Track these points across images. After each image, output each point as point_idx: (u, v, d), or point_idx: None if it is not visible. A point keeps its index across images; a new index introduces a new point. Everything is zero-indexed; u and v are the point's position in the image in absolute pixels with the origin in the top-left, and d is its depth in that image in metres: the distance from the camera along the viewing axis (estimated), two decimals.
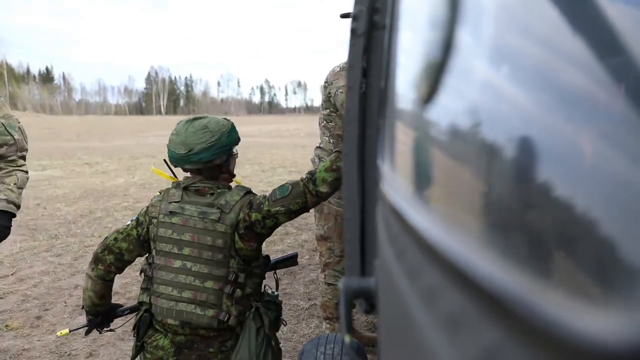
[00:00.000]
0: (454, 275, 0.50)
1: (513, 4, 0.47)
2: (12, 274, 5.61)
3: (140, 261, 2.40)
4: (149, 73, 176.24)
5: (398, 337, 0.72)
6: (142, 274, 2.30)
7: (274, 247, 6.47)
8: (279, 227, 7.40)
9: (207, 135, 2.17)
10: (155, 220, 2.21)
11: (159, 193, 2.31)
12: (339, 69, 3.51)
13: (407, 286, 0.66)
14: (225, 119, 2.31)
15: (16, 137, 3.24)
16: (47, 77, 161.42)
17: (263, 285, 2.40)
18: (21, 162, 3.31)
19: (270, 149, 21.01)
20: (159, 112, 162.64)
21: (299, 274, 5.50)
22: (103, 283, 2.30)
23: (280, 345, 3.94)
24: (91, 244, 6.64)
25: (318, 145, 3.71)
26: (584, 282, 0.33)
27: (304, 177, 2.23)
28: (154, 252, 2.22)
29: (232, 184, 2.37)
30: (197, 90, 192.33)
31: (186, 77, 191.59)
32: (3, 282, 5.37)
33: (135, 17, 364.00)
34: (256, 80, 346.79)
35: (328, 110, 3.55)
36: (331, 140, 3.56)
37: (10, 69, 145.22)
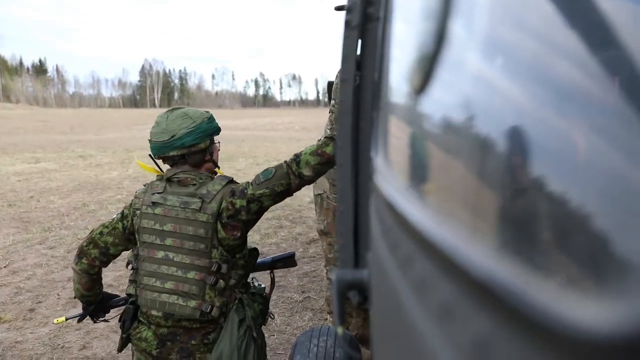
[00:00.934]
0: (446, 267, 0.50)
1: None
2: (5, 267, 5.60)
3: (126, 254, 2.40)
4: (143, 66, 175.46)
5: (390, 328, 0.73)
6: (129, 266, 2.30)
7: (268, 240, 6.48)
8: (273, 220, 7.39)
9: (188, 121, 2.19)
10: (139, 211, 2.21)
11: (144, 186, 2.31)
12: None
13: (400, 278, 0.66)
14: (206, 111, 2.33)
15: None
16: (40, 69, 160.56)
17: (250, 278, 2.40)
18: None
19: (265, 142, 20.99)
20: (153, 105, 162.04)
21: None
22: (88, 276, 2.29)
23: (274, 337, 3.96)
24: (84, 237, 6.62)
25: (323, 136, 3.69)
26: (576, 273, 0.33)
27: (289, 159, 2.24)
28: (138, 244, 2.23)
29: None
30: (192, 83, 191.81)
31: (180, 70, 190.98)
32: None
33: (130, 10, 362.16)
34: (251, 74, 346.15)
35: (334, 101, 3.55)
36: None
37: (3, 61, 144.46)
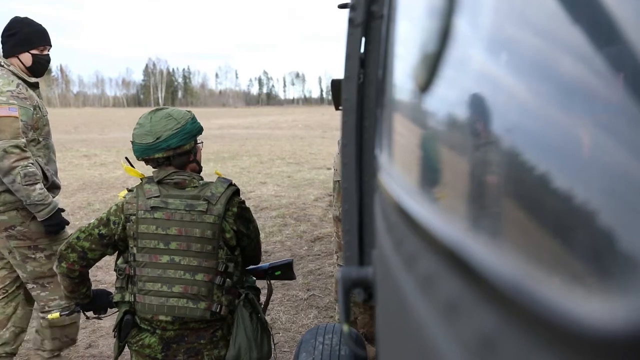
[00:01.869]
0: (452, 263, 0.50)
1: None
2: None
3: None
4: (146, 65, 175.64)
5: (396, 325, 0.73)
6: (118, 273, 2.25)
7: (273, 237, 6.48)
8: (278, 219, 7.37)
9: (173, 122, 2.18)
10: (134, 217, 2.17)
11: (127, 190, 2.27)
12: None
13: (405, 274, 0.66)
14: (187, 110, 2.32)
15: None
16: None
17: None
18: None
19: (269, 141, 20.98)
20: (157, 104, 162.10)
21: (297, 264, 5.51)
22: (69, 279, 2.25)
23: (279, 335, 3.97)
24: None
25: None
26: (581, 269, 0.33)
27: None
28: (134, 250, 2.18)
29: (213, 176, 2.39)
30: (195, 81, 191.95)
31: (184, 69, 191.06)
32: None
33: (133, 8, 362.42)
34: (254, 72, 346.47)
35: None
36: None
37: None
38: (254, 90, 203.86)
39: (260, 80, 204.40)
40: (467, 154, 0.53)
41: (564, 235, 0.35)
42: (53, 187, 3.24)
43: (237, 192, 2.28)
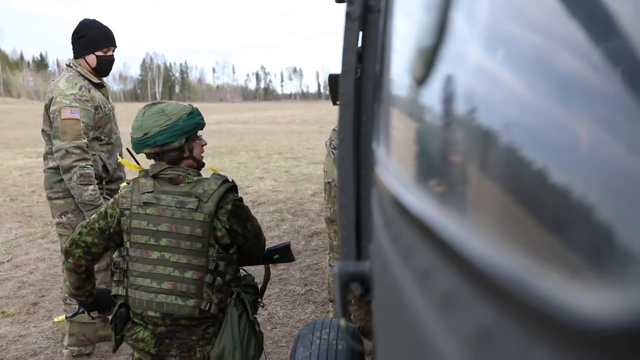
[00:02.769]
0: (449, 257, 0.51)
1: None
2: (7, 261, 5.61)
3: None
4: (144, 60, 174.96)
5: (393, 319, 0.73)
6: (114, 267, 2.27)
7: (270, 232, 6.48)
8: (275, 214, 7.37)
9: (163, 119, 2.15)
10: (128, 212, 2.17)
11: (126, 183, 2.27)
12: None
13: (402, 268, 0.66)
14: (189, 104, 2.30)
15: None
16: (41, 63, 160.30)
17: (239, 269, 2.40)
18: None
19: (266, 136, 20.95)
20: (154, 99, 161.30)
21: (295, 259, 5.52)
22: (76, 275, 2.27)
23: (277, 330, 3.97)
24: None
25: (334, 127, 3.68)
26: (579, 263, 0.33)
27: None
28: (127, 245, 2.19)
29: (209, 172, 2.36)
30: (193, 76, 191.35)
31: (181, 64, 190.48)
32: None
33: (130, 4, 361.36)
34: (252, 67, 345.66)
35: None
36: None
37: (4, 56, 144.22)
38: (252, 85, 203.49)
39: (257, 75, 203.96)
40: (463, 148, 0.53)
41: (562, 230, 0.35)
42: (115, 178, 3.45)
43: (232, 188, 2.24)
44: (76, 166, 3.17)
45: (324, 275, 4.87)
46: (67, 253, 2.24)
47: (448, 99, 0.58)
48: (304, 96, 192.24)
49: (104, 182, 3.39)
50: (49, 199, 3.43)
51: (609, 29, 0.32)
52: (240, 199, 2.28)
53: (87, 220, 2.27)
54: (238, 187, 2.32)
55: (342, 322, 1.11)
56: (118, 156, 3.08)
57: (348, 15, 1.33)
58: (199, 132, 2.32)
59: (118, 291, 2.25)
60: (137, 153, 2.28)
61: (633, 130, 0.29)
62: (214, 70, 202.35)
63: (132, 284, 2.19)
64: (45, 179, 3.44)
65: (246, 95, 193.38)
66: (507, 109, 0.44)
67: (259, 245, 2.41)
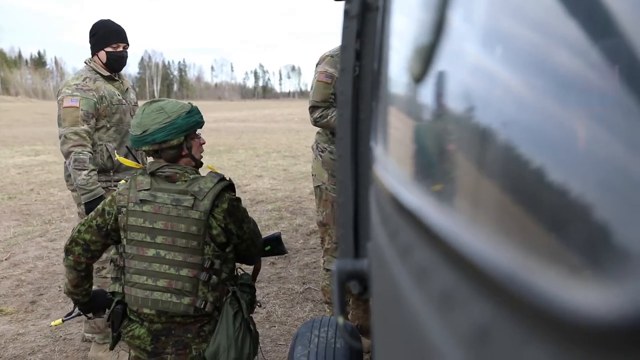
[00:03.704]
0: (447, 254, 0.51)
1: None
2: (6, 259, 5.60)
3: None
4: (142, 58, 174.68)
5: (391, 317, 0.73)
6: (112, 263, 2.29)
7: (269, 231, 6.48)
8: (274, 212, 7.37)
9: (162, 116, 2.16)
10: (125, 209, 2.18)
11: (124, 181, 2.28)
12: (328, 53, 3.53)
13: (400, 267, 0.66)
14: (189, 103, 2.30)
15: None
16: (39, 61, 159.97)
17: (235, 268, 2.40)
18: None
19: (265, 134, 20.95)
20: (153, 97, 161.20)
21: (293, 258, 5.52)
22: (76, 272, 2.28)
23: (275, 328, 3.97)
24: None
25: (318, 130, 3.69)
26: (577, 260, 0.33)
27: None
28: (124, 242, 2.20)
29: (206, 170, 2.36)
30: (191, 75, 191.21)
31: (179, 62, 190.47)
32: None
33: (129, 2, 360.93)
34: (250, 65, 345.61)
35: None
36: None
37: (1, 54, 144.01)
38: (250, 83, 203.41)
39: (256, 74, 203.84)
40: (461, 145, 0.53)
41: (560, 227, 0.35)
42: (124, 169, 3.52)
43: (228, 187, 2.24)
44: (72, 151, 3.31)
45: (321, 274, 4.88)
46: (67, 250, 2.26)
47: (446, 97, 0.58)
48: (303, 94, 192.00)
49: (111, 173, 3.51)
50: (70, 190, 3.68)
51: (606, 27, 0.32)
52: (238, 199, 2.27)
53: (86, 218, 2.28)
54: (236, 186, 2.33)
55: (341, 320, 1.11)
56: (116, 153, 3.13)
57: (346, 13, 1.33)
58: (198, 131, 2.32)
59: (115, 288, 2.26)
60: (136, 150, 2.28)
61: (630, 128, 0.29)
62: (212, 68, 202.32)
63: (129, 281, 2.20)
64: (64, 170, 3.65)
65: (244, 93, 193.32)
66: (505, 107, 0.44)
67: (255, 248, 2.41)
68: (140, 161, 3.30)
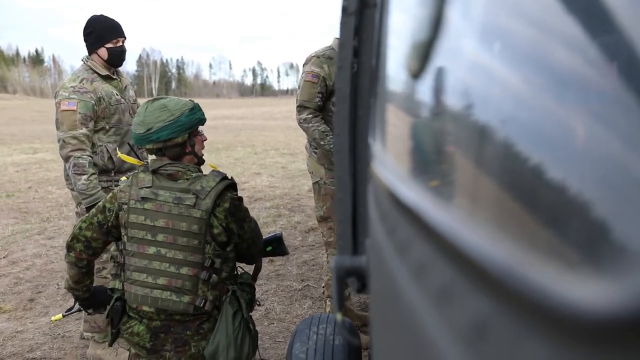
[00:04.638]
0: (445, 250, 0.51)
1: None
2: (4, 257, 5.60)
3: None
4: (140, 55, 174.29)
5: (389, 313, 0.73)
6: (112, 260, 2.29)
7: (267, 228, 6.48)
8: (272, 209, 7.36)
9: (166, 114, 2.15)
10: (126, 206, 2.18)
11: (125, 178, 2.27)
12: (314, 54, 3.57)
13: (398, 262, 0.66)
14: (190, 100, 2.30)
15: None
16: (37, 59, 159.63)
17: (235, 267, 2.40)
18: None
19: (263, 131, 20.92)
20: (151, 95, 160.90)
21: (292, 255, 5.52)
22: (77, 269, 2.27)
23: (274, 325, 3.98)
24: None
25: None
26: (575, 256, 0.33)
27: None
28: (125, 239, 2.20)
29: (208, 169, 2.36)
30: (189, 72, 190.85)
31: (178, 60, 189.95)
32: None
33: (126, 0, 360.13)
34: (248, 63, 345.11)
35: None
36: None
37: None
38: (248, 81, 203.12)
39: (254, 71, 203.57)
40: (459, 142, 0.53)
41: (558, 223, 0.35)
42: (125, 169, 3.46)
43: (230, 186, 2.23)
44: (72, 156, 3.26)
45: (321, 271, 4.87)
46: (68, 247, 2.25)
47: (444, 94, 0.58)
48: None
49: (112, 173, 3.46)
50: (70, 189, 3.62)
51: (605, 24, 0.32)
52: (240, 199, 2.27)
53: (87, 215, 2.28)
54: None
55: (339, 316, 1.11)
56: (118, 151, 3.12)
57: (344, 10, 1.33)
58: (200, 128, 2.31)
59: (115, 285, 2.26)
60: (140, 148, 2.28)
61: (629, 126, 0.29)
62: (210, 66, 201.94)
63: (129, 278, 2.20)
64: (64, 170, 3.60)
65: (243, 91, 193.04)
66: (503, 103, 0.44)
67: (256, 247, 2.41)
68: (142, 158, 3.28)
